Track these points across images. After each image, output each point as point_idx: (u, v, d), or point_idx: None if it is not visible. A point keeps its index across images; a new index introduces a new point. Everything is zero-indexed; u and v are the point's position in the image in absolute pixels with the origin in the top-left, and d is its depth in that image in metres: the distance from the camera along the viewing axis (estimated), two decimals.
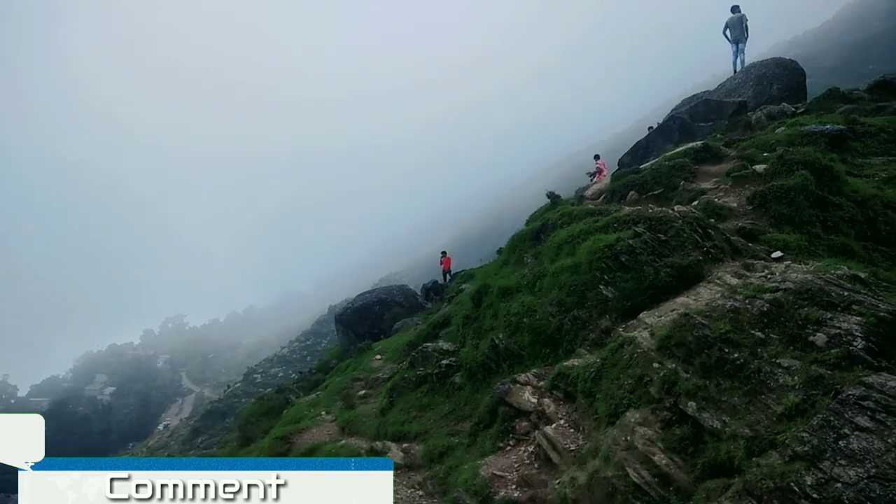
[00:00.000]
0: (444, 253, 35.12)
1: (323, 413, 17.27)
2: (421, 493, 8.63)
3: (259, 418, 26.96)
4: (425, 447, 9.83)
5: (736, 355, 6.13)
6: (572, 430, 7.49)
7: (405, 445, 10.58)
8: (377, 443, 11.06)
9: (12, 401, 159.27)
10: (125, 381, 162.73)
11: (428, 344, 14.14)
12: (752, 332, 6.26)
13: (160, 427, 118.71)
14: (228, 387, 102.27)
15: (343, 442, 12.42)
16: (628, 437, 6.27)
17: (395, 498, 8.48)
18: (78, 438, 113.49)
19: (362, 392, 17.79)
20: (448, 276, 34.75)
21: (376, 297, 35.91)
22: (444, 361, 12.52)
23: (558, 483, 6.75)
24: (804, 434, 4.69)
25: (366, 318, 34.20)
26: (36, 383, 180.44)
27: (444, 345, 13.52)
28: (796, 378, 5.43)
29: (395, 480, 9.23)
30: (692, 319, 6.81)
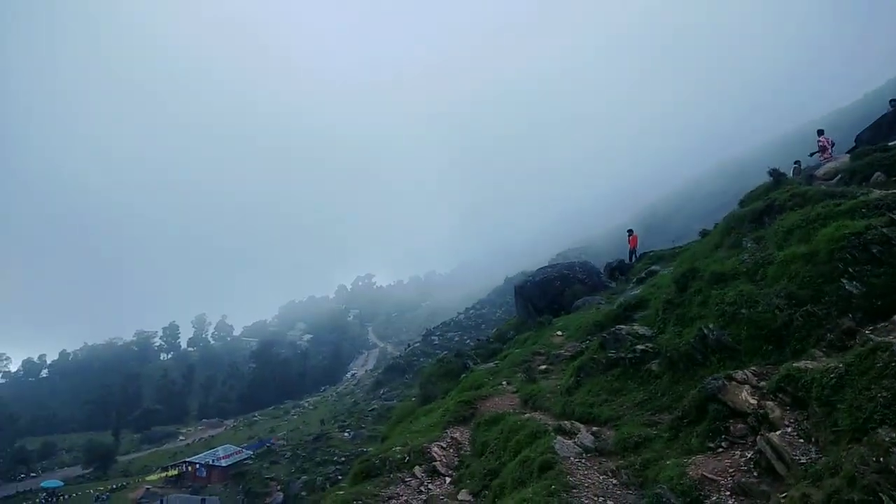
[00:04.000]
0: (630, 231, 33.39)
1: (504, 383, 17.47)
2: (614, 481, 8.22)
3: (439, 379, 28.27)
4: (619, 434, 9.36)
5: None
6: (802, 441, 6.55)
7: (595, 429, 10.19)
8: (565, 422, 10.79)
9: (228, 338, 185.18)
10: (320, 331, 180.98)
11: (621, 326, 13.46)
12: None
13: (348, 375, 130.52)
14: (409, 345, 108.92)
15: (528, 416, 12.37)
16: (881, 459, 5.28)
17: (586, 482, 8.21)
18: (279, 377, 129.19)
19: (543, 367, 17.67)
20: (634, 256, 33.07)
21: (558, 271, 35.36)
22: (640, 346, 11.81)
23: (785, 497, 5.95)
24: None
25: (546, 293, 33.88)
26: (248, 325, 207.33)
27: (640, 329, 12.75)
28: None
29: (585, 464, 8.97)
30: None
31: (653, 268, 24.98)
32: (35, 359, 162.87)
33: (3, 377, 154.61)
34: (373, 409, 73.99)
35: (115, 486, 62.46)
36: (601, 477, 8.38)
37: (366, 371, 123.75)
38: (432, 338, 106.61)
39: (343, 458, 54.30)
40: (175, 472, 62.00)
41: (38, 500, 62.38)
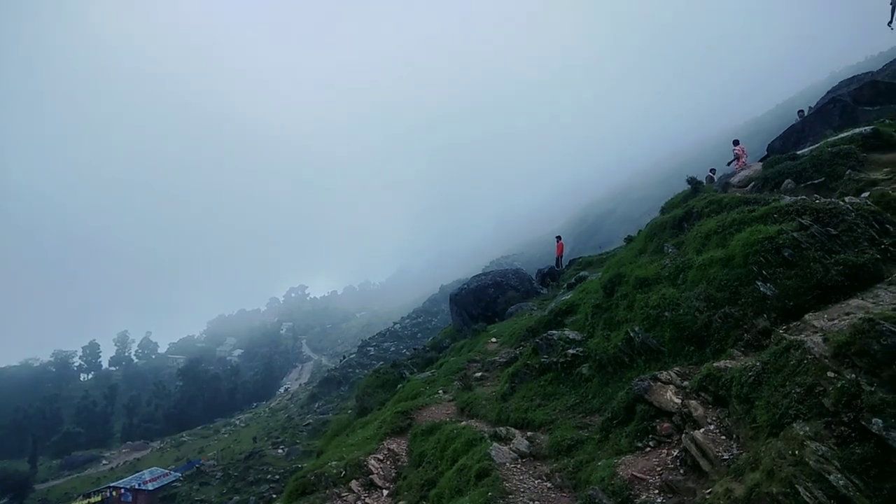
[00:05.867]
0: (558, 238, 34.26)
1: (440, 392, 17.49)
2: (549, 484, 8.37)
3: (375, 390, 27.97)
4: (552, 438, 9.54)
5: None
6: (724, 438, 6.87)
7: (530, 434, 10.35)
8: (500, 428, 10.92)
9: (153, 356, 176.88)
10: (252, 345, 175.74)
11: (553, 331, 13.74)
12: None
13: (281, 390, 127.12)
14: (344, 357, 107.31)
15: (464, 424, 12.43)
16: (797, 452, 5.60)
17: (522, 487, 8.31)
18: (209, 395, 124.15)
19: (479, 374, 17.81)
20: (560, 262, 33.90)
21: (491, 279, 35.85)
22: (571, 351, 12.10)
23: (710, 493, 6.21)
24: None
25: (480, 300, 34.28)
26: (174, 341, 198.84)
27: (571, 333, 13.06)
28: None
29: (520, 469, 9.08)
30: (878, 326, 5.96)
31: (582, 273, 25.66)
32: None
33: None
34: (308, 424, 72.31)
35: None
36: (536, 481, 8.51)
37: (300, 385, 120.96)
38: (368, 348, 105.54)
39: (277, 476, 52.76)
40: (98, 498, 58.46)
41: None
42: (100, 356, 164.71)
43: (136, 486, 57.78)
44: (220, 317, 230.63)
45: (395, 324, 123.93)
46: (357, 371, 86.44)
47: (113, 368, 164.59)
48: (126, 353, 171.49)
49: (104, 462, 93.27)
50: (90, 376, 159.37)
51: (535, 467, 9.04)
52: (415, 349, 47.41)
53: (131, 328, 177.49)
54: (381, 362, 54.91)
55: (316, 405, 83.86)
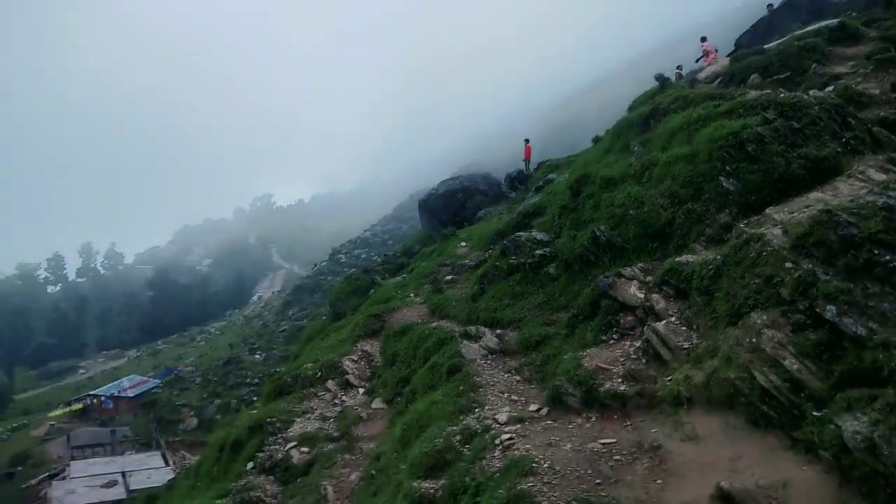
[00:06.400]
0: (526, 140, 33.81)
1: (412, 295, 17.76)
2: (518, 378, 8.73)
3: (348, 296, 28.29)
4: (521, 334, 9.86)
5: (888, 258, 5.51)
6: (685, 328, 7.18)
7: (499, 332, 10.66)
8: (470, 327, 11.21)
9: (120, 267, 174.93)
10: (221, 255, 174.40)
11: (521, 233, 13.88)
12: None
13: (255, 298, 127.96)
14: (315, 265, 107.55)
15: (435, 324, 12.72)
16: (753, 339, 5.89)
17: (492, 381, 8.66)
18: (180, 305, 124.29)
19: (449, 277, 18.05)
20: (528, 166, 33.73)
21: (460, 184, 35.65)
22: (538, 251, 12.27)
23: (670, 380, 6.56)
24: None
25: (449, 206, 34.25)
26: (140, 252, 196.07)
27: (538, 235, 13.21)
28: None
29: (490, 365, 9.43)
30: (835, 217, 6.12)
31: (550, 176, 25.61)
32: None
33: None
34: (283, 330, 73.60)
35: (15, 426, 59.57)
36: (505, 375, 8.87)
37: (273, 293, 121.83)
38: (339, 256, 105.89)
39: (256, 380, 54.18)
40: (80, 405, 59.64)
41: None
42: (65, 268, 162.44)
43: (116, 394, 58.95)
44: (186, 227, 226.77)
45: (365, 231, 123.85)
46: (329, 278, 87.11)
47: (80, 280, 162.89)
48: (92, 265, 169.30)
49: (81, 371, 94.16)
50: (57, 288, 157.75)
51: (504, 363, 9.39)
52: (385, 255, 47.70)
53: (93, 239, 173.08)
54: (353, 269, 55.34)
55: (290, 312, 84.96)
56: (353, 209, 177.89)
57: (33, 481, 42.10)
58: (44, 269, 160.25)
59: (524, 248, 12.91)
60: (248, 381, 57.08)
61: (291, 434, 11.06)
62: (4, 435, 56.69)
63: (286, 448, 10.54)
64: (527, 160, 33.73)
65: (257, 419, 12.56)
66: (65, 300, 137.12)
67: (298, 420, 11.66)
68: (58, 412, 60.28)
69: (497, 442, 6.41)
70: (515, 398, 7.88)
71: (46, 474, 42.41)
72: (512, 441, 6.33)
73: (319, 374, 13.68)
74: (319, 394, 12.83)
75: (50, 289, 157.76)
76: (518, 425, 6.78)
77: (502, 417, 7.07)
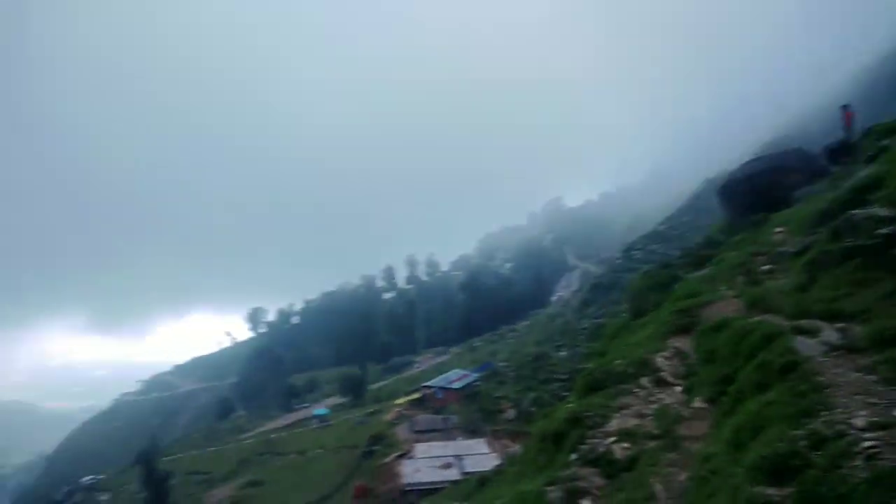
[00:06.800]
0: (845, 106, 28.59)
1: (723, 288, 16.59)
2: (873, 377, 7.55)
3: (647, 292, 27.60)
4: (871, 327, 8.51)
5: None
6: None
7: (840, 325, 9.34)
8: (801, 321, 10.04)
9: (438, 274, 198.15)
10: (519, 258, 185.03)
11: (855, 211, 11.94)
12: None
13: (554, 297, 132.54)
14: (610, 263, 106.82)
15: (757, 318, 11.68)
16: None
17: (839, 381, 7.66)
18: (489, 306, 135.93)
19: (766, 267, 16.44)
20: (850, 134, 28.45)
21: (767, 163, 31.88)
22: (883, 230, 10.44)
23: None
24: None
25: (755, 189, 30.82)
26: (453, 259, 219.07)
27: (881, 211, 11.20)
28: None
29: (834, 363, 8.33)
30: None
31: (883, 142, 21.38)
32: (285, 308, 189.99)
33: (267, 327, 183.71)
34: (584, 328, 74.68)
35: (371, 411, 73.25)
36: (856, 374, 7.75)
37: (571, 292, 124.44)
38: (633, 252, 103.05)
39: (565, 376, 56.06)
40: (418, 394, 69.79)
41: (313, 425, 77.12)
42: (395, 277, 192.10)
43: (445, 386, 67.18)
44: (487, 234, 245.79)
45: (658, 225, 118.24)
46: (625, 275, 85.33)
47: (409, 286, 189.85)
48: (416, 274, 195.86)
49: (416, 365, 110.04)
50: (392, 294, 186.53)
51: (852, 360, 8.20)
52: (683, 248, 45.24)
53: (416, 251, 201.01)
54: (650, 264, 53.44)
55: (589, 310, 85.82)
56: (644, 203, 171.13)
57: (387, 459, 50.29)
58: (381, 279, 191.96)
59: (862, 228, 11.11)
60: (556, 376, 59.51)
61: (610, 429, 11.28)
62: (364, 418, 69.70)
63: (607, 442, 10.79)
64: (848, 128, 28.74)
65: (574, 412, 13.12)
66: (398, 305, 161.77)
67: (615, 416, 11.84)
68: (401, 400, 71.65)
69: (856, 450, 5.67)
70: (873, 401, 6.82)
71: (398, 454, 50.33)
72: (877, 450, 5.54)
73: (630, 371, 13.68)
74: (633, 390, 12.83)
75: (386, 296, 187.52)
76: (882, 431, 5.88)
77: (859, 422, 6.19)
